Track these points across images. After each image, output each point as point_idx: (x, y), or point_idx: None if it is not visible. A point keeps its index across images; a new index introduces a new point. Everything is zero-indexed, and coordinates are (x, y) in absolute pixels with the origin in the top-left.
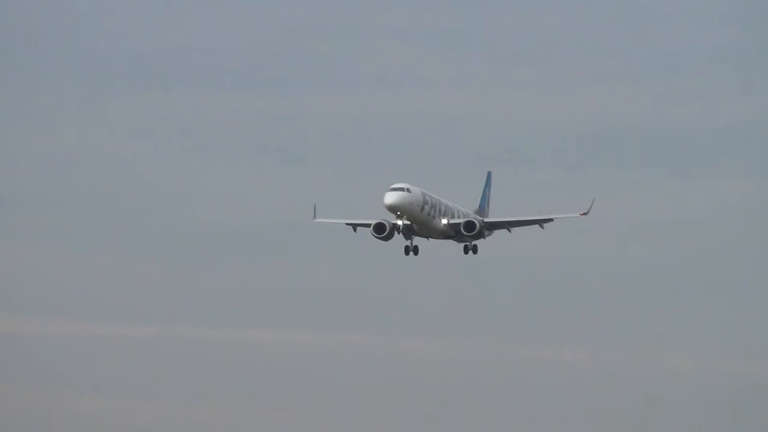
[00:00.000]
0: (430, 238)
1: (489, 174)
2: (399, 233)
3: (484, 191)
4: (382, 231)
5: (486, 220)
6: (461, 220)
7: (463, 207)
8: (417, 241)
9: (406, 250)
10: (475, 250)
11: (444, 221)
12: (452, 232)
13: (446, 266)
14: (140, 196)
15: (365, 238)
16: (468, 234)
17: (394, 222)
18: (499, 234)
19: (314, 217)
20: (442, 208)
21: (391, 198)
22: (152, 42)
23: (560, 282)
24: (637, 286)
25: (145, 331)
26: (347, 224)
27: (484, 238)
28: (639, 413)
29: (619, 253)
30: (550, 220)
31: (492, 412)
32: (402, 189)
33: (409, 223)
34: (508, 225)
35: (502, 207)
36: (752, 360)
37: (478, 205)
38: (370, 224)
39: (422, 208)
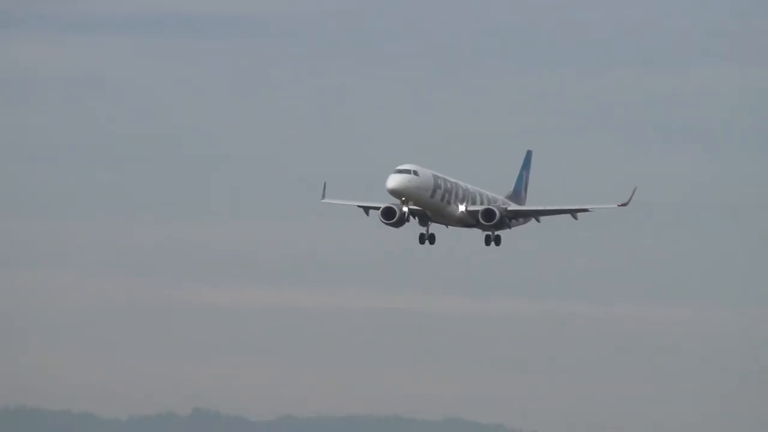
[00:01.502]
0: (449, 226)
1: (528, 153)
2: (407, 220)
3: (521, 173)
4: (391, 216)
5: (510, 208)
6: (480, 208)
7: (490, 192)
8: (436, 229)
9: (421, 239)
10: (497, 241)
11: (461, 208)
12: (472, 221)
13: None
14: None
15: (377, 222)
16: (487, 224)
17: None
18: (532, 224)
19: (322, 196)
20: (460, 192)
21: (393, 181)
22: None
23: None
24: None
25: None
26: (359, 206)
27: (510, 228)
28: None
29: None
30: (585, 210)
31: None
32: (408, 171)
33: (418, 209)
34: (535, 214)
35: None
36: None
37: (512, 188)
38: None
39: (433, 192)
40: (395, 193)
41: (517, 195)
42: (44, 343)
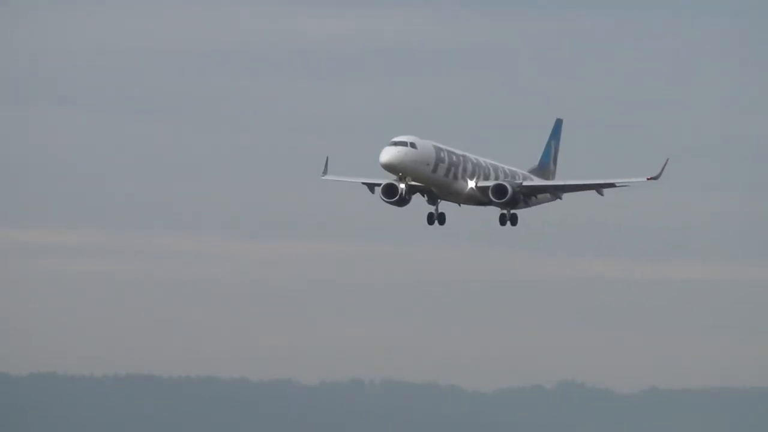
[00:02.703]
0: (461, 204)
1: (558, 122)
2: (406, 198)
3: (549, 143)
4: (392, 194)
5: (525, 183)
6: (490, 183)
7: (509, 165)
8: (446, 207)
9: (430, 219)
10: (513, 220)
11: (471, 184)
12: (483, 198)
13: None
14: None
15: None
16: (498, 201)
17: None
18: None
19: (324, 173)
20: (469, 166)
21: (387, 155)
22: None
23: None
24: None
25: None
26: (363, 183)
27: (528, 205)
28: None
29: None
30: (611, 185)
31: None
32: (404, 143)
33: (420, 185)
34: (554, 190)
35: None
36: None
37: (538, 161)
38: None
39: (435, 167)
40: (389, 167)
41: (543, 168)
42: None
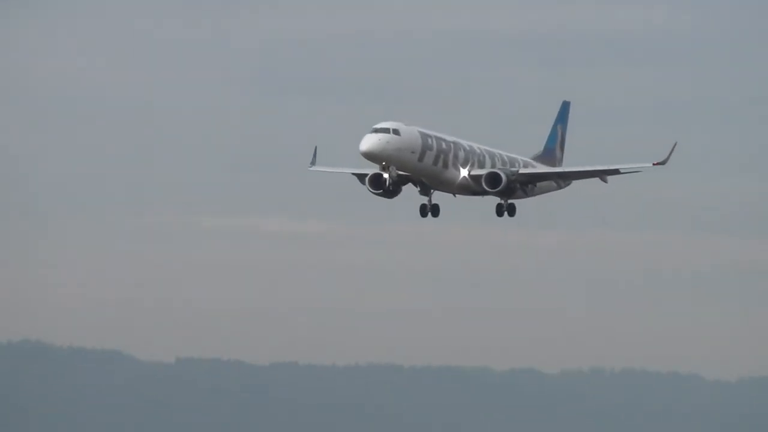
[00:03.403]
0: (456, 195)
1: (565, 105)
2: (390, 188)
3: (555, 127)
4: (380, 185)
5: (522, 171)
6: (483, 172)
7: (507, 152)
8: (440, 198)
9: (423, 210)
10: (511, 211)
11: (464, 172)
12: (477, 188)
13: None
14: None
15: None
16: (492, 190)
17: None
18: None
19: (312, 163)
20: (461, 154)
21: (367, 143)
22: None
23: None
24: None
25: None
26: (353, 174)
27: (528, 195)
28: None
29: None
30: (615, 171)
31: None
32: (386, 130)
33: (405, 174)
34: (555, 178)
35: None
36: None
37: (543, 146)
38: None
39: (422, 155)
40: (370, 156)
41: (549, 155)
42: None
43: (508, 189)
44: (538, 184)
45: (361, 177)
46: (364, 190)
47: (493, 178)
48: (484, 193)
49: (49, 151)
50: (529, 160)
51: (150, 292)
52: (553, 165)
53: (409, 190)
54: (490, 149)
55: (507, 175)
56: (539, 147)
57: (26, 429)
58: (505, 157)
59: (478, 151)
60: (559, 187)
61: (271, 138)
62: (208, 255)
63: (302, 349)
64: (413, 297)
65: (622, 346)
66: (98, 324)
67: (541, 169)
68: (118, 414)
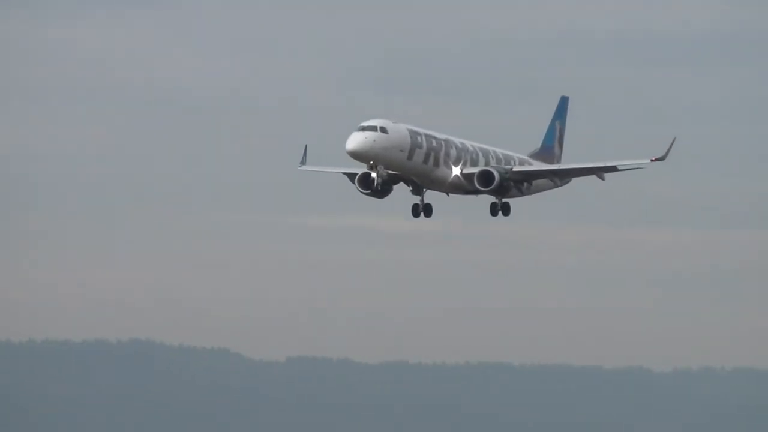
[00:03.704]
0: (449, 194)
1: (563, 100)
2: (378, 188)
3: (553, 124)
4: (369, 184)
5: (515, 168)
6: (475, 170)
7: (502, 149)
8: (432, 197)
9: (415, 210)
10: (505, 210)
11: (456, 171)
12: (470, 186)
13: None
14: None
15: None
16: (485, 189)
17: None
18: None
19: (302, 162)
20: (452, 152)
21: (353, 142)
22: None
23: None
24: None
25: None
26: (343, 174)
27: (524, 193)
28: None
29: None
30: (613, 168)
31: None
32: (373, 128)
33: (394, 173)
34: (550, 175)
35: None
36: None
37: (540, 144)
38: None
39: (411, 153)
40: (357, 156)
41: (546, 152)
42: None
43: (501, 187)
44: (534, 182)
45: (351, 176)
46: (354, 189)
47: (485, 177)
48: (476, 192)
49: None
50: (526, 157)
51: (263, 291)
52: (552, 162)
53: (401, 190)
54: (484, 146)
55: (500, 174)
56: (536, 144)
57: (139, 425)
58: (500, 155)
59: (471, 148)
60: (556, 186)
61: None
62: (315, 255)
63: (412, 348)
64: (519, 295)
65: (731, 345)
66: (209, 323)
67: (537, 166)
68: (228, 412)
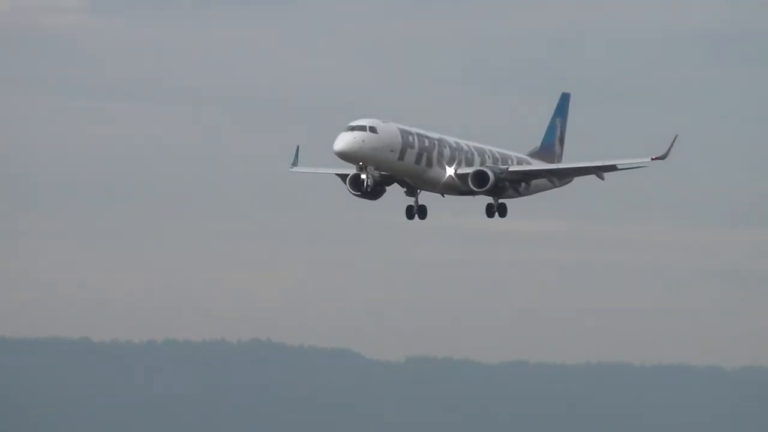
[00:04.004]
0: (444, 195)
1: (564, 97)
2: (368, 189)
3: (553, 122)
4: (360, 186)
5: (511, 168)
6: (470, 170)
7: (499, 148)
8: (427, 199)
9: (409, 212)
10: (502, 211)
11: (449, 171)
12: (464, 187)
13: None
14: None
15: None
16: (479, 189)
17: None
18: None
19: (294, 163)
20: (446, 151)
21: (341, 142)
22: None
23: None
24: None
25: None
26: (336, 175)
27: (521, 194)
28: None
29: None
30: (612, 167)
31: None
32: (362, 128)
33: (386, 174)
34: (548, 175)
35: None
36: None
37: (539, 142)
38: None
39: (402, 153)
40: (345, 156)
41: (546, 151)
42: None
43: (496, 188)
44: (533, 182)
45: (344, 178)
46: (347, 191)
47: (480, 177)
48: (471, 192)
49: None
50: (524, 156)
51: (382, 292)
52: (552, 161)
53: (396, 191)
54: (480, 146)
55: (495, 174)
56: (535, 142)
57: (259, 425)
58: (497, 154)
59: (466, 148)
60: (554, 186)
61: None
62: (434, 255)
63: (533, 348)
64: (641, 296)
65: None
66: (329, 324)
67: (535, 166)
68: (349, 412)
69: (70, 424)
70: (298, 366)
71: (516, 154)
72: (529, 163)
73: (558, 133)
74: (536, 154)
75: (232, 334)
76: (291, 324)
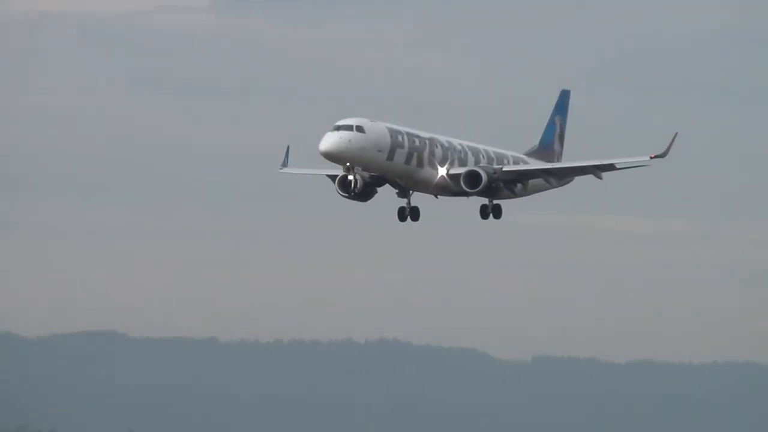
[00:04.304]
0: (438, 196)
1: (564, 95)
2: (355, 190)
3: (552, 120)
4: (349, 187)
5: (505, 168)
6: (462, 170)
7: (495, 147)
8: (420, 200)
9: (401, 214)
10: (496, 212)
11: (441, 171)
12: (456, 188)
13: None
14: None
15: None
16: (472, 190)
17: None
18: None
19: (284, 164)
20: (438, 151)
21: (327, 142)
22: None
23: None
24: None
25: None
26: (327, 176)
27: (517, 195)
28: None
29: None
30: (611, 167)
31: None
32: (349, 127)
33: (376, 175)
34: (543, 175)
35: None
36: None
37: (538, 141)
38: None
39: (391, 154)
40: (331, 157)
41: (545, 150)
42: None
43: (490, 189)
44: (530, 182)
45: (335, 179)
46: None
47: (472, 177)
48: (464, 193)
49: None
50: (522, 155)
51: (506, 292)
52: (551, 160)
53: (388, 192)
54: (475, 145)
55: (488, 174)
56: (534, 141)
57: (383, 424)
58: (492, 154)
59: (459, 147)
60: (553, 186)
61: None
62: (551, 254)
63: (656, 348)
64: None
65: None
66: (456, 324)
67: (531, 165)
68: (475, 411)
69: (196, 425)
70: (424, 366)
71: (513, 153)
72: (526, 163)
73: (557, 131)
74: (534, 153)
75: (360, 334)
76: (417, 324)
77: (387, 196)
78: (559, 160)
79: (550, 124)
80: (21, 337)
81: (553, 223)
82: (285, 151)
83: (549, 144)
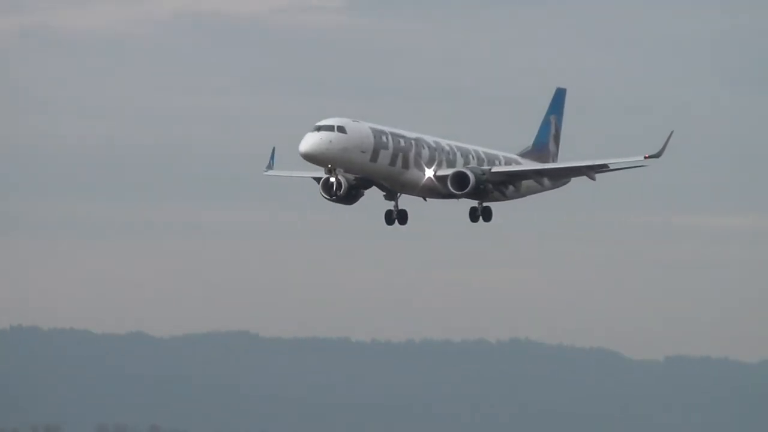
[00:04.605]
0: (426, 198)
1: (559, 93)
2: (338, 192)
3: (547, 119)
4: (331, 189)
5: (494, 169)
6: (450, 172)
7: (486, 148)
8: (409, 203)
9: (388, 217)
10: (486, 215)
11: (428, 173)
12: (444, 190)
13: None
14: None
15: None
16: (460, 192)
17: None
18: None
19: (269, 166)
20: (424, 152)
21: (307, 143)
22: None
23: None
24: None
25: None
26: (313, 178)
27: (508, 197)
28: None
29: None
30: (604, 167)
31: None
32: (330, 127)
33: (360, 177)
34: (534, 176)
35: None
36: None
37: (532, 142)
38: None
39: (375, 155)
40: (311, 158)
41: (540, 150)
42: None
43: (478, 190)
44: (523, 184)
45: (319, 181)
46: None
47: (459, 179)
48: (452, 195)
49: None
50: (514, 156)
51: (636, 291)
52: (546, 161)
53: (376, 195)
54: (464, 145)
55: (476, 175)
56: (527, 141)
57: (510, 426)
58: (482, 154)
59: (447, 148)
60: (546, 188)
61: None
62: (680, 255)
63: None
64: None
65: None
66: (582, 323)
67: (522, 166)
68: (608, 412)
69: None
70: (555, 365)
71: (505, 154)
72: (518, 164)
73: (552, 131)
74: (528, 154)
75: (492, 334)
76: (547, 323)
77: (374, 199)
78: (554, 160)
79: (545, 124)
80: (150, 336)
81: (680, 222)
82: (271, 152)
83: (543, 145)
